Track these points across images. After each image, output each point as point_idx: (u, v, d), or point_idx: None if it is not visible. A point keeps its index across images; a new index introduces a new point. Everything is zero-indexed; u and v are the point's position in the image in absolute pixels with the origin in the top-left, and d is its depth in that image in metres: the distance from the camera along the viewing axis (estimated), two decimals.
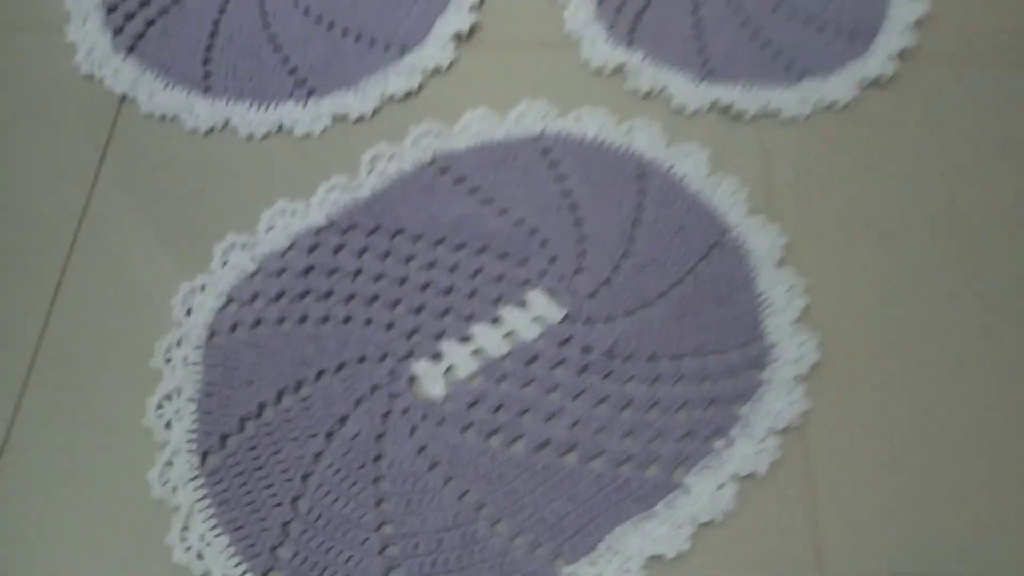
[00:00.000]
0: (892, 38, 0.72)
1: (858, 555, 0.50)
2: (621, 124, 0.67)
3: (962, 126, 0.68)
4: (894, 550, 0.51)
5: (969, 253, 0.62)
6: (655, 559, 0.49)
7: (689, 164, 0.65)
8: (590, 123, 0.67)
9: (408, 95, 0.68)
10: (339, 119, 0.67)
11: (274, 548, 0.48)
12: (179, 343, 0.55)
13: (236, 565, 0.48)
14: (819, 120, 0.68)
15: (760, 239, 0.61)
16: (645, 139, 0.66)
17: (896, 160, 0.66)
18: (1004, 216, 0.64)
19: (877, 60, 0.70)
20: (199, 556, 0.48)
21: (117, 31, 0.71)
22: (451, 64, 0.70)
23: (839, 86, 0.69)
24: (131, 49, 0.70)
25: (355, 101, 0.67)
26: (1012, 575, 0.50)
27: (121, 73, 0.68)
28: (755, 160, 0.66)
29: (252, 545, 0.48)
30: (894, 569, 0.50)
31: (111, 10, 0.72)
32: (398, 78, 0.68)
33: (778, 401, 0.54)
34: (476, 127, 0.66)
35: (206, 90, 0.68)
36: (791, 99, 0.68)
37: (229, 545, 0.48)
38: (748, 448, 0.53)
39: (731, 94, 0.68)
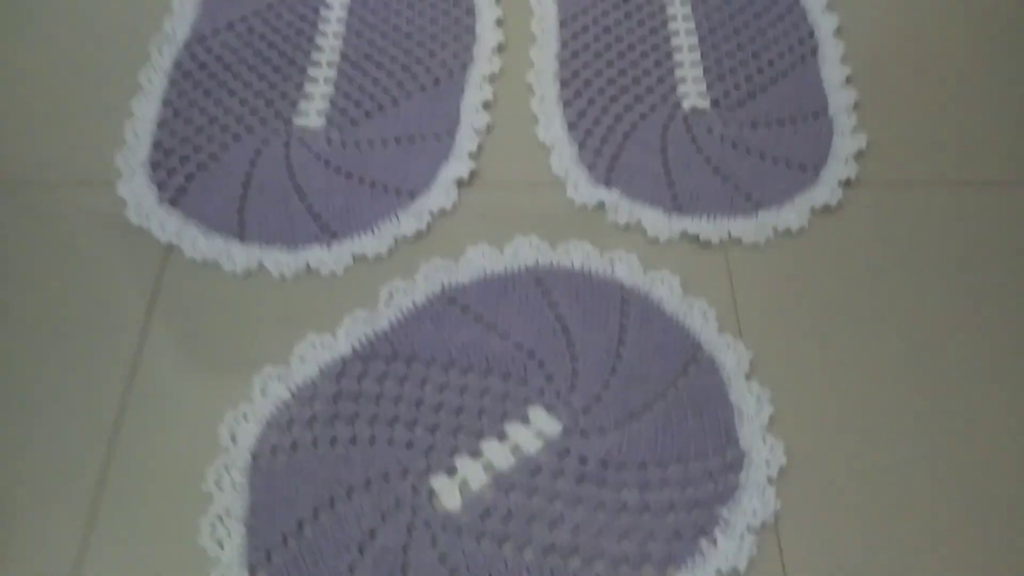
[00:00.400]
0: (837, 169, 0.83)
1: None
2: (604, 255, 0.76)
3: (905, 243, 0.78)
4: None
5: (918, 358, 0.71)
6: None
7: (664, 289, 0.74)
8: (577, 255, 0.76)
9: (418, 235, 0.78)
10: (359, 259, 0.77)
11: None
12: (227, 468, 0.62)
13: None
14: (777, 245, 0.78)
15: (729, 355, 0.70)
16: (625, 268, 0.75)
17: (847, 278, 0.76)
18: (948, 323, 0.73)
19: (825, 189, 0.81)
20: None
21: (161, 186, 0.81)
22: (455, 206, 0.80)
23: (792, 215, 0.79)
24: (174, 202, 0.80)
25: (372, 242, 0.77)
26: None
27: (167, 224, 0.78)
28: (722, 283, 0.76)
29: None
30: None
31: (155, 166, 0.82)
32: (409, 220, 0.78)
33: (753, 501, 0.62)
34: (478, 261, 0.76)
35: (241, 237, 0.77)
36: (750, 228, 0.78)
37: None
38: (729, 546, 0.60)
39: (698, 225, 0.78)
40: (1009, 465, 0.65)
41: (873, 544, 0.61)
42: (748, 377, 0.69)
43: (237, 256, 0.76)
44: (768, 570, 0.60)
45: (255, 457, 0.63)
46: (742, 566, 0.59)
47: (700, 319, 0.72)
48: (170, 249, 0.77)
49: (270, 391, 0.67)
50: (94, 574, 0.58)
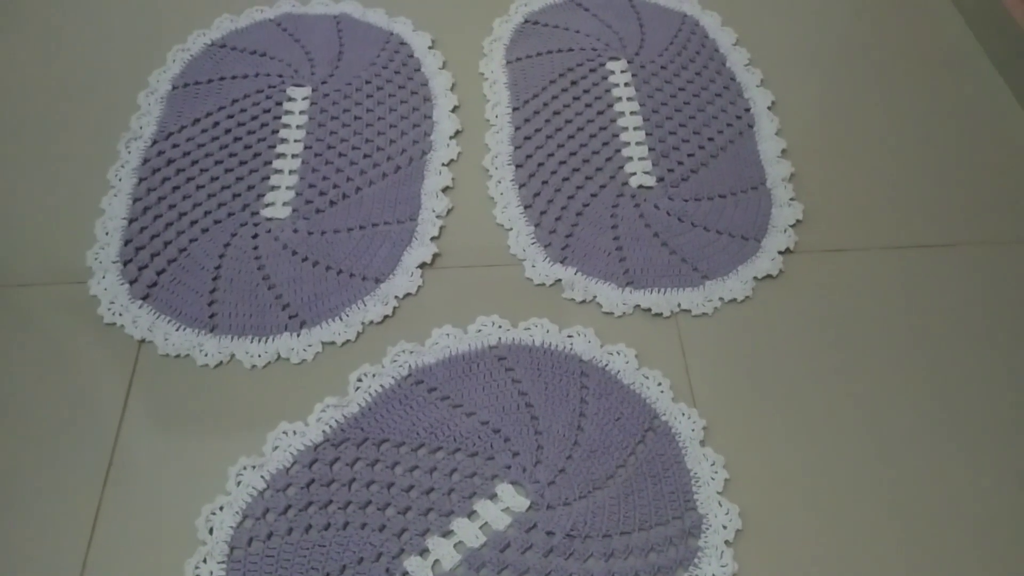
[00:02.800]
0: (777, 239, 0.88)
1: None
2: (563, 331, 0.80)
3: (843, 306, 0.84)
4: None
5: (864, 416, 0.76)
6: None
7: (621, 361, 0.78)
8: (537, 332, 0.80)
9: (385, 319, 0.82)
10: (328, 345, 0.80)
11: None
12: (205, 560, 0.64)
13: None
14: (724, 314, 0.83)
15: (684, 423, 0.74)
16: (583, 343, 0.79)
17: (792, 341, 0.81)
18: (888, 380, 0.78)
19: (766, 259, 0.87)
20: None
21: (133, 281, 0.84)
22: (419, 289, 0.84)
23: (737, 284, 0.84)
24: (146, 297, 0.82)
25: (341, 328, 0.80)
26: None
27: (139, 320, 0.80)
28: (675, 353, 0.80)
29: None
30: None
31: (127, 263, 0.85)
32: (376, 306, 0.82)
33: (712, 565, 0.65)
34: (443, 342, 0.80)
35: (212, 329, 0.80)
36: (698, 299, 0.83)
37: None
38: None
39: (649, 299, 0.83)
40: (960, 517, 0.69)
41: None
42: (703, 443, 0.73)
43: (209, 348, 0.79)
44: None
45: (232, 548, 0.65)
46: None
47: (655, 389, 0.76)
48: (143, 343, 0.79)
49: (245, 481, 0.69)
50: None
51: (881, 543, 0.68)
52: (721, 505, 0.69)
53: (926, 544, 0.68)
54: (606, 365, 0.78)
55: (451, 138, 0.97)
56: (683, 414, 0.74)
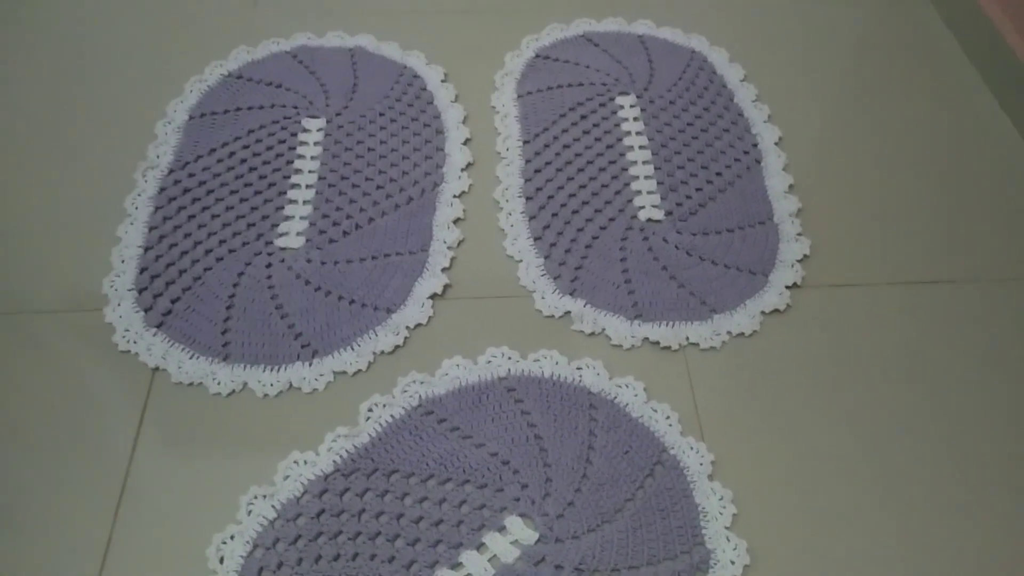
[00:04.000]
0: (784, 274, 0.89)
1: None
2: (572, 363, 0.81)
3: (850, 340, 0.84)
4: None
5: (871, 450, 0.76)
6: None
7: (629, 394, 0.79)
8: (546, 364, 0.81)
9: (396, 349, 0.83)
10: (339, 375, 0.81)
11: None
12: None
13: None
14: (732, 347, 0.84)
15: (692, 457, 0.74)
16: (592, 375, 0.80)
17: (799, 375, 0.81)
18: (896, 414, 0.78)
19: (773, 294, 0.87)
20: None
21: (147, 309, 0.85)
22: (430, 319, 0.85)
23: (744, 319, 0.85)
24: (160, 325, 0.84)
25: (352, 358, 0.81)
26: None
27: (153, 348, 0.81)
28: (683, 386, 0.81)
29: None
30: None
31: (142, 291, 0.86)
32: (387, 336, 0.83)
33: None
34: (453, 372, 0.80)
35: (225, 358, 0.81)
36: (706, 332, 0.84)
37: None
38: None
39: (658, 331, 0.84)
40: (972, 555, 0.69)
41: None
42: (711, 477, 0.73)
43: (222, 377, 0.79)
44: None
45: None
46: None
47: (664, 422, 0.77)
48: (157, 371, 0.80)
49: (256, 511, 0.70)
50: None
51: (898, 573, 0.68)
52: (729, 540, 0.69)
53: (941, 567, 0.68)
54: (615, 398, 0.79)
55: (463, 170, 0.99)
56: (691, 448, 0.75)
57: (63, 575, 0.66)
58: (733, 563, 0.67)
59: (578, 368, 0.81)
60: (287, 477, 0.72)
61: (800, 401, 0.80)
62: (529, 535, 0.69)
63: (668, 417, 0.77)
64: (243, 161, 0.98)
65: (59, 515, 0.70)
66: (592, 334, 0.84)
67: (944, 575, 0.68)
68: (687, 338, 0.83)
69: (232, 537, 0.68)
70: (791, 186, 0.98)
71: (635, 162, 0.99)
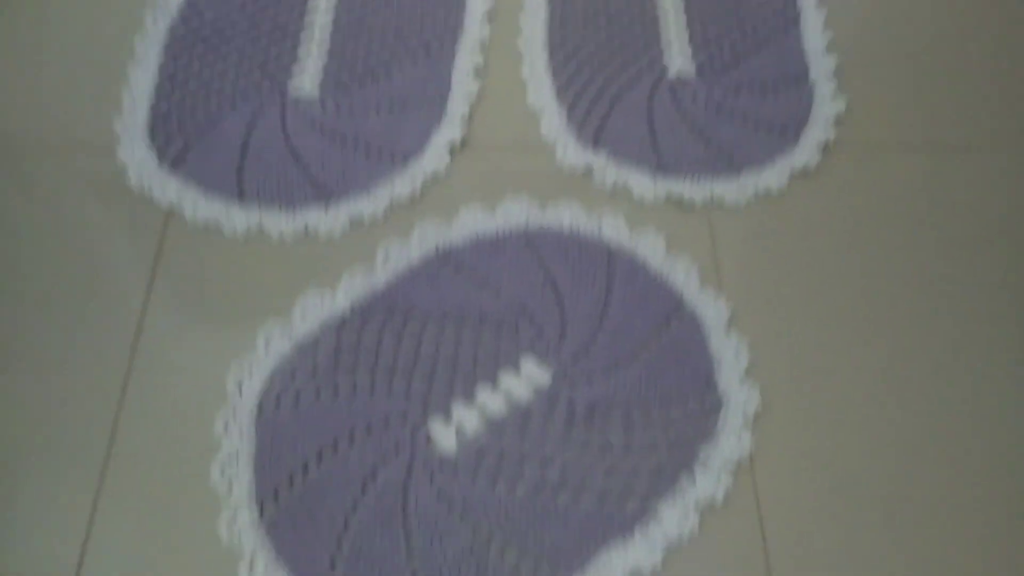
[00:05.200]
0: (816, 132, 0.86)
1: (802, 571, 0.61)
2: (591, 216, 0.80)
3: (880, 204, 0.82)
4: (832, 565, 0.62)
5: (891, 313, 0.75)
6: (634, 574, 0.60)
7: (649, 248, 0.78)
8: (566, 216, 0.80)
9: (412, 197, 0.81)
10: (355, 220, 0.80)
11: None
12: (233, 416, 0.66)
13: None
14: (757, 206, 0.82)
15: (710, 309, 0.73)
16: (612, 228, 0.79)
17: (824, 237, 0.80)
18: (920, 280, 0.77)
19: (804, 152, 0.84)
20: None
21: (160, 150, 0.83)
22: (447, 169, 0.83)
23: (772, 176, 0.83)
24: (173, 166, 0.82)
25: (368, 204, 0.80)
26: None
27: (167, 188, 0.80)
28: (704, 242, 0.79)
29: None
30: None
31: (153, 132, 0.84)
32: (403, 183, 0.81)
33: (730, 442, 0.66)
34: (470, 222, 0.79)
35: (240, 199, 0.80)
36: (732, 189, 0.82)
37: None
38: (707, 482, 0.64)
39: (681, 187, 0.82)
40: (981, 402, 0.70)
41: (841, 480, 0.65)
42: (727, 329, 0.73)
43: (237, 218, 0.79)
44: (743, 506, 0.64)
45: (260, 406, 0.67)
46: (719, 501, 0.63)
47: (683, 276, 0.76)
48: (171, 212, 0.79)
49: (273, 344, 0.70)
50: (109, 515, 0.62)
51: (903, 429, 0.68)
52: (742, 386, 0.69)
53: (953, 431, 0.68)
54: (634, 251, 0.78)
55: (484, 19, 0.94)
56: (709, 300, 0.74)
57: (81, 408, 0.67)
58: (744, 409, 0.68)
59: (598, 221, 0.79)
60: (304, 315, 0.72)
61: (823, 261, 0.78)
62: (543, 376, 0.69)
63: (687, 271, 0.76)
64: (255, 2, 0.94)
65: (75, 353, 0.71)
66: (613, 188, 0.82)
67: (960, 428, 0.68)
68: (711, 194, 0.81)
69: (250, 368, 0.69)
70: (830, 44, 0.93)
71: (666, 15, 0.94)
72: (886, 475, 0.66)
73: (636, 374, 0.69)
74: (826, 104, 0.88)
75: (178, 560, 0.60)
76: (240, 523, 0.60)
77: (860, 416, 0.69)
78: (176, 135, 0.84)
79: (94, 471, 0.64)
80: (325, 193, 0.81)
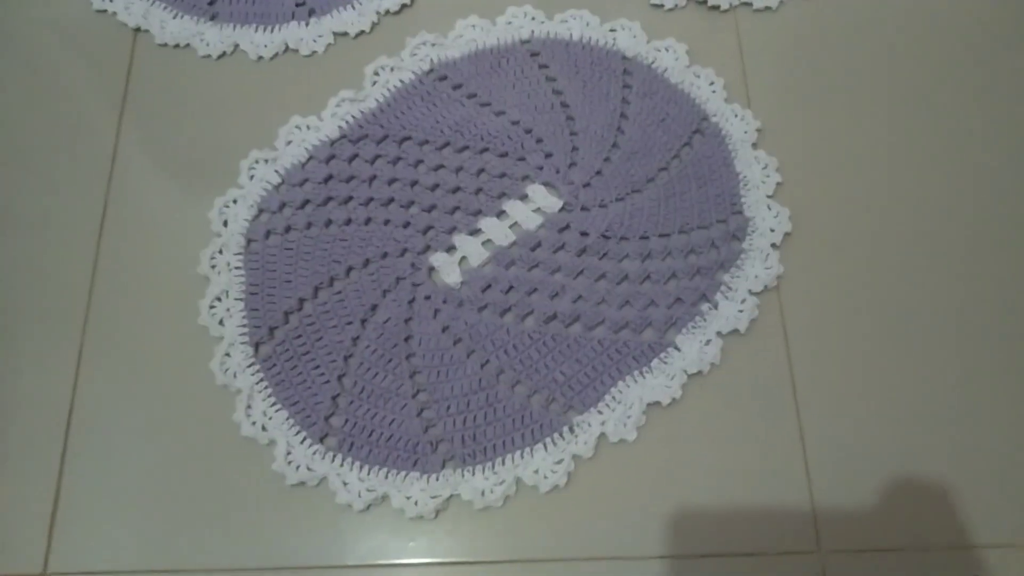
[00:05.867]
0: None
1: (828, 395, 0.58)
2: (604, 24, 0.71)
3: (927, 8, 0.72)
4: (859, 391, 0.59)
5: (930, 130, 0.68)
6: (652, 406, 0.57)
7: (669, 58, 0.69)
8: (575, 25, 0.71)
9: (403, 7, 0.72)
10: (340, 36, 0.71)
11: (327, 417, 0.56)
12: (221, 251, 0.61)
13: (296, 434, 0.56)
14: (791, 7, 0.72)
15: (736, 124, 0.66)
16: (627, 37, 0.70)
17: (864, 42, 0.71)
18: (963, 95, 0.69)
19: None
20: (263, 428, 0.56)
21: None
22: None
23: None
24: None
25: (353, 17, 0.72)
26: (965, 400, 0.59)
27: (132, 6, 0.72)
28: (731, 50, 0.71)
29: (308, 416, 0.56)
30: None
31: None
32: None
33: (756, 267, 0.61)
34: (469, 34, 0.71)
35: (213, 17, 0.72)
36: None
37: (288, 418, 0.56)
38: (730, 310, 0.60)
39: None
40: (1012, 218, 0.64)
41: (871, 309, 0.61)
42: (755, 146, 0.66)
43: (211, 38, 0.71)
44: (768, 332, 0.60)
45: (249, 240, 0.62)
46: (743, 328, 0.59)
47: (707, 88, 0.68)
48: (139, 33, 0.71)
49: (258, 175, 0.64)
50: (95, 363, 0.59)
51: (933, 249, 0.63)
52: (770, 208, 0.63)
53: (983, 250, 0.63)
54: (652, 62, 0.70)
55: None
56: (736, 115, 0.67)
57: (59, 254, 0.63)
58: (773, 231, 0.62)
59: (611, 30, 0.71)
60: (289, 142, 0.66)
61: (862, 72, 0.70)
62: (553, 203, 0.64)
63: (712, 83, 0.69)
64: None
65: (47, 196, 0.65)
66: None
67: (997, 251, 0.63)
68: None
69: (235, 201, 0.64)
70: None
71: None
72: (915, 299, 0.61)
73: (655, 197, 0.64)
74: None
75: (171, 403, 0.57)
76: (234, 362, 0.57)
77: (897, 232, 0.63)
78: None
79: (77, 318, 0.60)
80: (306, 5, 0.72)
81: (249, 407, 0.56)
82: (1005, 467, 0.56)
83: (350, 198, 0.64)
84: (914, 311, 0.61)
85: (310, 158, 0.65)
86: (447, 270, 0.61)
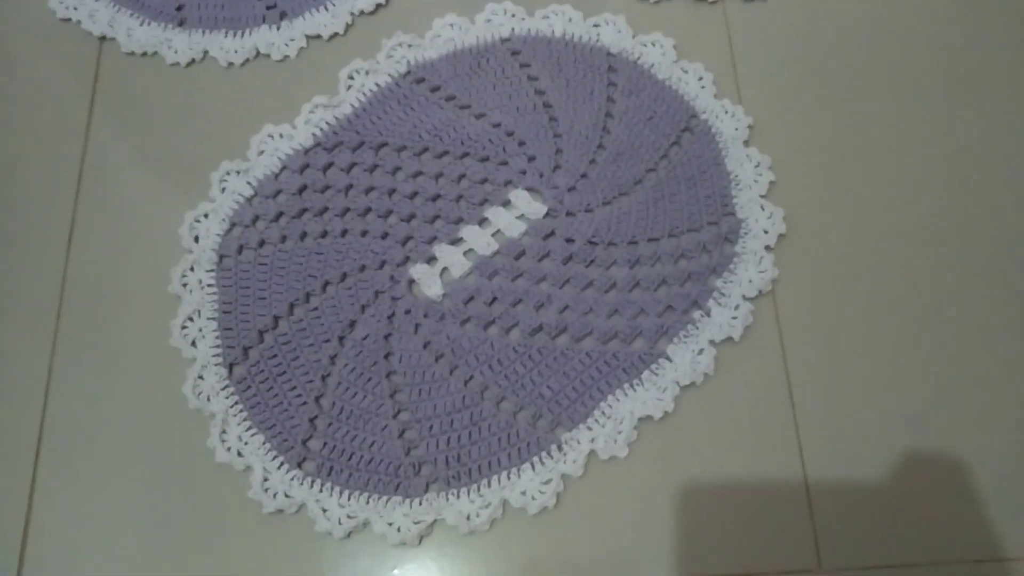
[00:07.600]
0: None
1: (827, 406, 0.56)
2: (588, 19, 0.68)
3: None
4: (859, 400, 0.56)
5: (926, 123, 0.65)
6: (644, 420, 0.55)
7: (656, 53, 0.67)
8: (557, 21, 0.68)
9: (378, 7, 0.70)
10: (313, 39, 0.69)
11: (305, 441, 0.54)
12: (192, 268, 0.59)
13: (273, 459, 0.53)
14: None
15: (727, 121, 0.64)
16: (612, 32, 0.68)
17: (861, 35, 0.68)
18: (957, 81, 0.67)
19: None
20: (239, 454, 0.54)
21: None
22: None
23: None
24: None
25: (327, 19, 0.69)
26: (965, 407, 0.56)
27: (97, 14, 0.69)
28: (720, 43, 0.68)
29: (285, 440, 0.54)
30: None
31: None
32: None
33: (749, 271, 0.59)
34: (447, 34, 0.68)
35: (181, 23, 0.69)
36: None
37: (264, 442, 0.54)
38: (723, 316, 0.57)
39: None
40: (1012, 216, 0.61)
41: (869, 313, 0.59)
42: (747, 144, 0.64)
43: (179, 45, 0.68)
44: (764, 340, 0.58)
45: (221, 256, 0.59)
46: (737, 335, 0.56)
47: (695, 84, 0.66)
48: (104, 41, 0.69)
49: (230, 187, 0.62)
50: (65, 388, 0.56)
51: (931, 251, 0.61)
52: (764, 209, 0.61)
53: (979, 250, 0.60)
54: (638, 58, 0.67)
55: None
56: (726, 111, 0.64)
57: (27, 271, 0.60)
58: (767, 232, 0.60)
59: (595, 25, 0.68)
60: (262, 152, 0.63)
61: (857, 64, 0.67)
62: (537, 208, 0.61)
63: (701, 79, 0.66)
64: None
65: (15, 211, 0.62)
66: None
67: (988, 239, 0.60)
68: None
69: (206, 215, 0.61)
70: None
71: None
72: (918, 303, 0.59)
73: (643, 200, 0.61)
74: None
75: (143, 429, 0.55)
76: (207, 385, 0.55)
77: (893, 234, 0.61)
78: None
79: (45, 340, 0.58)
80: (277, 8, 0.69)
81: (224, 432, 0.54)
82: (1010, 480, 0.54)
83: (326, 209, 0.61)
84: (917, 316, 0.58)
85: (283, 168, 0.63)
86: (428, 282, 0.59)
